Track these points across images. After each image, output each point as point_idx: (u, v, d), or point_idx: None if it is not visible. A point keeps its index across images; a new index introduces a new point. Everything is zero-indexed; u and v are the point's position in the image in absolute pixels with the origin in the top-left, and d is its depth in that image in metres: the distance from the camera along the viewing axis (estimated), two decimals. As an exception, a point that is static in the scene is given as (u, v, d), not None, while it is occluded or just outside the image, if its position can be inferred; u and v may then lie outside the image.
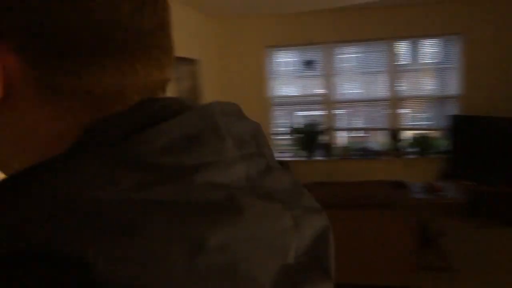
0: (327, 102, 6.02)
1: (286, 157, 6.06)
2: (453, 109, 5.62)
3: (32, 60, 0.33)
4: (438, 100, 5.80)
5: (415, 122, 5.97)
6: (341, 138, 6.20)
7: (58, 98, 0.34)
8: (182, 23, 4.89)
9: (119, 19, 0.34)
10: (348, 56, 6.10)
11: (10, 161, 0.37)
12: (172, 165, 0.32)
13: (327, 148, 5.94)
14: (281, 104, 6.22)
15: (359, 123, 6.20)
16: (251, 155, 0.38)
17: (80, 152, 0.31)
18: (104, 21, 0.33)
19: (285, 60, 6.29)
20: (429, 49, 5.83)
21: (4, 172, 0.39)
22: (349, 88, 6.16)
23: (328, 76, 5.97)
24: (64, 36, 0.32)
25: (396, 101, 5.84)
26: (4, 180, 0.31)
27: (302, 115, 6.27)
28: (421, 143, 5.62)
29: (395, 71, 5.81)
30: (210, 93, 5.65)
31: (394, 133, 5.78)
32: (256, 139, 0.40)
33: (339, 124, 6.10)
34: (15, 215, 0.28)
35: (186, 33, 5.01)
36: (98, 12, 0.33)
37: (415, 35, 5.63)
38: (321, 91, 6.06)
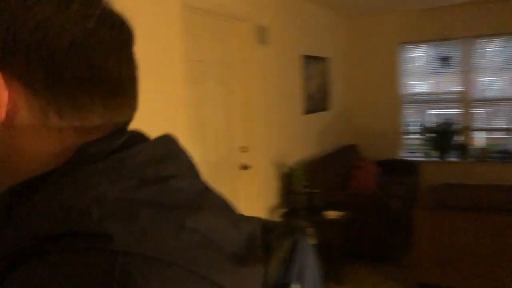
0: (464, 100, 5.66)
1: (416, 157, 5.84)
2: None
3: (37, 93, 0.42)
4: None
5: None
6: (479, 139, 5.78)
7: (54, 125, 0.44)
8: (313, 22, 4.99)
9: (106, 71, 0.45)
10: (490, 51, 5.66)
11: (3, 176, 0.45)
12: (151, 174, 0.44)
13: (463, 149, 5.58)
14: (413, 102, 6.00)
15: (500, 123, 5.73)
16: (195, 176, 0.51)
17: (81, 164, 0.43)
18: (99, 72, 0.45)
19: (418, 56, 6.05)
20: None
21: None
22: (490, 85, 5.71)
23: (466, 73, 5.61)
24: (69, 81, 0.43)
25: (546, 99, 5.27)
26: (20, 185, 0.43)
27: (435, 114, 5.98)
28: None
29: (546, 67, 5.24)
30: (338, 91, 5.68)
31: (542, 135, 5.23)
32: (194, 166, 0.52)
33: (477, 123, 5.70)
34: (46, 210, 0.40)
35: (317, 32, 5.11)
36: (97, 66, 0.45)
37: None
38: (457, 88, 5.72)
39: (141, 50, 2.67)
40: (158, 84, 2.65)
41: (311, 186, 3.93)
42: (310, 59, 4.83)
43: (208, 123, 3.31)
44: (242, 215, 0.53)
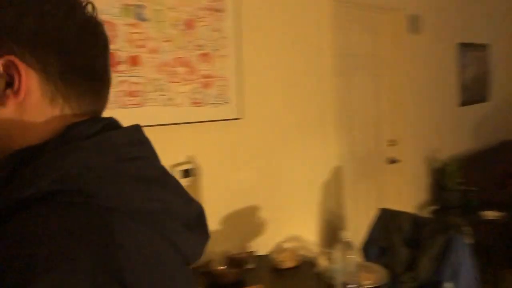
0: None
1: None
2: None
3: (50, 80, 0.54)
4: None
5: None
6: None
7: (58, 107, 0.56)
8: (471, 7, 4.63)
9: (98, 66, 0.59)
10: None
11: (6, 145, 0.55)
12: (125, 154, 0.55)
13: None
14: None
15: None
16: (158, 160, 0.62)
17: (73, 139, 0.53)
18: (93, 66, 0.58)
19: None
20: None
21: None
22: None
23: None
24: (75, 71, 0.56)
25: None
26: (21, 151, 0.53)
27: None
28: None
29: None
30: (500, 80, 5.19)
31: None
32: (156, 152, 0.62)
33: None
34: (45, 172, 0.50)
35: (476, 18, 4.73)
36: (92, 62, 0.58)
37: None
38: None
39: (294, 44, 2.84)
40: (309, 77, 2.75)
41: (466, 183, 3.69)
42: (467, 47, 4.49)
43: (356, 116, 3.32)
44: (192, 196, 0.67)
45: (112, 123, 0.60)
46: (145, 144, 0.61)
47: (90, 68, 0.58)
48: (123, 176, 0.53)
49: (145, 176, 0.56)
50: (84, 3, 0.59)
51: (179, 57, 2.06)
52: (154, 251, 0.53)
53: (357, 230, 2.90)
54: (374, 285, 1.67)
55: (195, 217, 0.63)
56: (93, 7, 0.60)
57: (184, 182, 2.14)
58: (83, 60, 0.57)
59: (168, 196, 0.58)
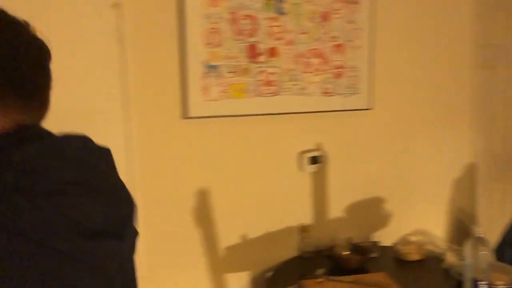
0: None
1: None
2: None
3: None
4: None
5: None
6: None
7: None
8: None
9: (36, 83, 0.62)
10: None
11: None
12: (30, 167, 0.56)
13: None
14: None
15: None
16: (87, 167, 0.63)
17: None
18: (30, 84, 0.61)
19: None
20: None
21: None
22: None
23: None
24: (11, 89, 0.59)
25: None
26: None
27: None
28: None
29: None
30: None
31: None
32: (86, 159, 0.63)
33: None
34: None
35: None
36: (29, 79, 0.62)
37: None
38: None
39: (430, 33, 2.76)
40: (444, 68, 2.65)
41: None
42: None
43: (497, 111, 3.11)
44: (126, 194, 0.69)
45: (34, 134, 0.63)
46: (67, 151, 0.62)
47: (28, 85, 0.62)
48: (17, 191, 0.55)
49: (44, 189, 0.57)
50: (26, 25, 0.64)
51: (314, 49, 2.14)
52: (34, 266, 0.54)
53: (490, 231, 2.74)
54: (508, 287, 1.59)
55: (114, 221, 0.65)
56: (34, 29, 0.65)
57: (311, 168, 2.23)
58: (21, 78, 0.61)
59: (69, 204, 0.59)
